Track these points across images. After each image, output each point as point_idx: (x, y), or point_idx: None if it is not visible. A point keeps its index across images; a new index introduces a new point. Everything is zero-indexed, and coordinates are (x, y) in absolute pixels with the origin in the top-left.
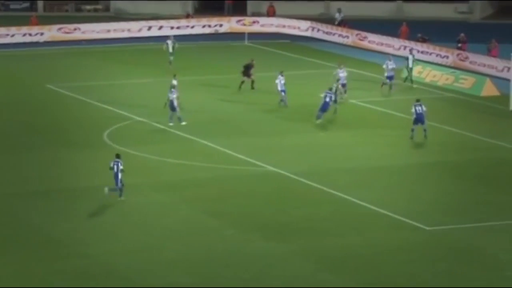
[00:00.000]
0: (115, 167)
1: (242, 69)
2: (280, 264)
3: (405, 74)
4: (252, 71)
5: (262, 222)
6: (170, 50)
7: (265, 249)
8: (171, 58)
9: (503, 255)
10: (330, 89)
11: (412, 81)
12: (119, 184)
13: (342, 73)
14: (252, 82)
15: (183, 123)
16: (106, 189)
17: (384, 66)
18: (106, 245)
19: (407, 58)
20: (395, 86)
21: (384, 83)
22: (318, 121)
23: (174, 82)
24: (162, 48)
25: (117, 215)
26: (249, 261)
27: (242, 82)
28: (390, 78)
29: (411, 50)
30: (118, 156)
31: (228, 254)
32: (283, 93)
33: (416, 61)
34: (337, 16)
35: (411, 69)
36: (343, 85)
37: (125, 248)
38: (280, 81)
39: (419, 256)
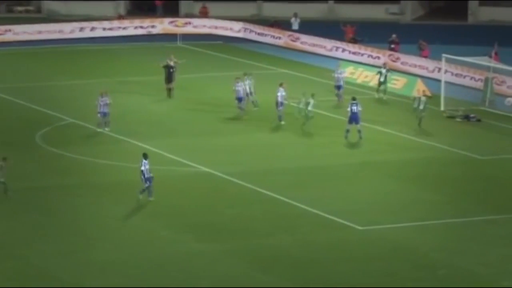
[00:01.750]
0: (143, 166)
1: (164, 72)
2: (213, 264)
3: (382, 87)
4: (175, 73)
5: (195, 223)
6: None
7: (198, 249)
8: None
9: (435, 254)
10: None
11: (385, 93)
12: (147, 183)
13: (248, 80)
14: (171, 90)
15: (106, 129)
16: (139, 196)
17: (335, 75)
18: (38, 246)
19: (379, 72)
20: (343, 97)
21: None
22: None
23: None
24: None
25: (48, 216)
26: (182, 261)
27: (169, 89)
28: (339, 87)
29: (385, 64)
30: (145, 156)
31: (161, 255)
32: (237, 101)
33: (391, 72)
34: (293, 20)
35: (384, 82)
36: (249, 94)
37: (58, 249)
38: (245, 86)
39: (351, 255)
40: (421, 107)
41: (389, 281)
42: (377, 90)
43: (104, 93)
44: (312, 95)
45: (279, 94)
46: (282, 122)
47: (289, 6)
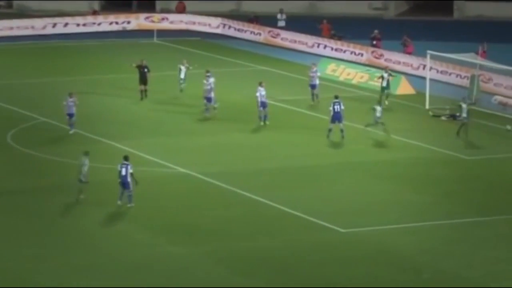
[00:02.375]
0: (124, 170)
1: (137, 74)
2: (192, 267)
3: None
4: (148, 74)
5: (173, 225)
6: (182, 76)
7: (175, 252)
8: (183, 85)
9: (420, 257)
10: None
11: (387, 97)
12: (130, 188)
13: (211, 79)
14: (145, 91)
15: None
16: (118, 202)
17: (310, 74)
18: (14, 250)
19: (382, 77)
20: (319, 98)
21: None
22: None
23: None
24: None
25: (24, 219)
26: (159, 265)
27: (142, 91)
28: (313, 86)
29: (386, 68)
30: (126, 158)
31: (138, 258)
32: (206, 101)
33: (392, 76)
34: (279, 16)
35: (387, 87)
36: (209, 99)
37: (34, 253)
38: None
39: (334, 258)
40: (464, 114)
41: (373, 284)
42: (386, 96)
43: (72, 94)
44: (379, 102)
45: (258, 94)
46: (263, 123)
47: (269, 1)
